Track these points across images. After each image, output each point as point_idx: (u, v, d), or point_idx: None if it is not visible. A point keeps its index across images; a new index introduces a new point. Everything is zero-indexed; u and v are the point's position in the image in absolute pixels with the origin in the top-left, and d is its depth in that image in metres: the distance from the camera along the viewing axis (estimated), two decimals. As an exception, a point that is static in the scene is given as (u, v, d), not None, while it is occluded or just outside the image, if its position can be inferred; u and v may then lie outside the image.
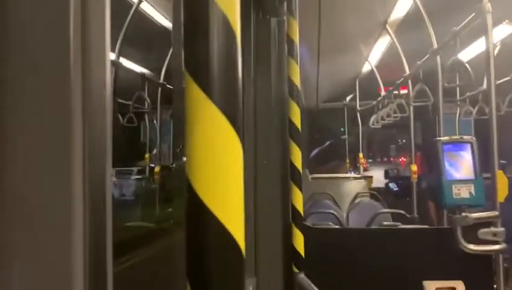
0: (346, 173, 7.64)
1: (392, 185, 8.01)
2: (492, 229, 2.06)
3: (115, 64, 3.56)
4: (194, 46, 0.47)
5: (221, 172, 0.47)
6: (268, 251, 2.15)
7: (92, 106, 0.48)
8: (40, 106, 0.45)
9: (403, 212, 4.13)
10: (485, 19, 2.24)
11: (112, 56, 3.52)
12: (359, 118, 7.43)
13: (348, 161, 7.93)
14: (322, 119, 8.21)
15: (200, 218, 0.47)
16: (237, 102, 0.48)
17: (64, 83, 0.46)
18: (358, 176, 6.89)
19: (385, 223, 3.77)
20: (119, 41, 3.54)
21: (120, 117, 4.11)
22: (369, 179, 6.94)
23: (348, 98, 7.71)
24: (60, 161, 0.45)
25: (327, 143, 8.66)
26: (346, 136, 7.93)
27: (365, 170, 7.67)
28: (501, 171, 2.18)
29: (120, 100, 4.22)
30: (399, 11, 3.88)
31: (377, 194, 5.58)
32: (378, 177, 8.22)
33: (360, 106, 7.25)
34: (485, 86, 4.27)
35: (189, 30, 0.48)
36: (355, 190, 5.87)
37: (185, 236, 0.48)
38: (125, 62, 4.03)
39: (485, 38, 2.24)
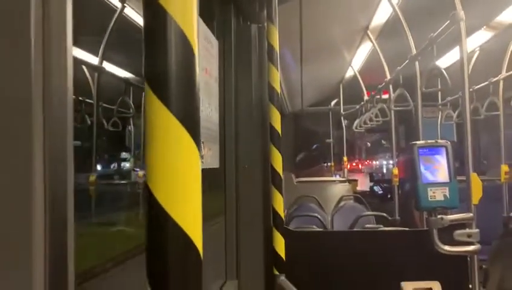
0: (331, 176, 7.70)
1: (376, 189, 8.12)
2: (468, 230, 2.11)
3: (98, 69, 3.56)
4: (153, 59, 0.50)
5: (179, 179, 0.50)
6: (250, 254, 2.18)
7: (52, 102, 0.50)
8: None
9: (385, 215, 4.19)
10: (459, 26, 2.30)
11: (95, 61, 3.53)
12: (343, 122, 7.50)
13: (332, 164, 8.00)
14: (307, 123, 8.28)
15: (159, 222, 0.50)
16: (195, 112, 0.51)
17: (25, 82, 0.48)
18: (343, 179, 6.96)
19: (367, 225, 3.83)
20: (102, 47, 3.54)
21: (104, 121, 4.11)
22: (353, 182, 7.00)
23: (332, 103, 7.79)
24: (20, 161, 0.48)
25: (313, 147, 8.73)
26: (331, 140, 8.00)
27: (360, 171, 7.73)
28: (475, 174, 2.24)
29: (105, 105, 4.21)
30: (379, 18, 3.96)
31: (360, 197, 5.64)
32: (364, 180, 8.32)
33: (344, 110, 7.33)
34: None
35: (148, 44, 0.51)
36: (340, 193, 5.92)
37: (145, 239, 0.51)
38: (111, 67, 4.02)
39: (459, 45, 2.30)
